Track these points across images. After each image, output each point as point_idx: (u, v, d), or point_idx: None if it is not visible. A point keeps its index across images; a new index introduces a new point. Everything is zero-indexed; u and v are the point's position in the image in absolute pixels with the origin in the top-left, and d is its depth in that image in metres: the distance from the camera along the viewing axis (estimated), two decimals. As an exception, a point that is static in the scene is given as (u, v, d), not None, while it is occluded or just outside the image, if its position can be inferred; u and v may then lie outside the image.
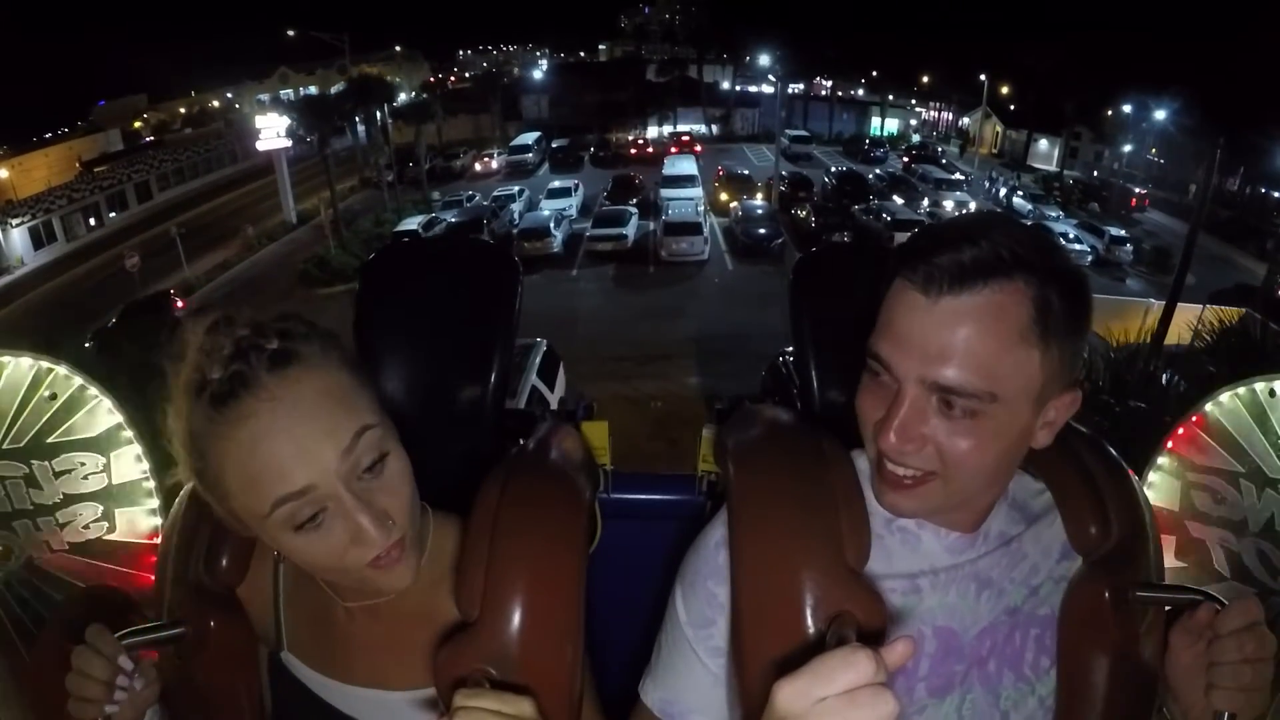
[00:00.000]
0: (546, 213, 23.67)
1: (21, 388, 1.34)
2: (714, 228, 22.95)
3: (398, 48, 36.17)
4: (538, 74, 50.14)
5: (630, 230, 21.88)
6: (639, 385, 12.83)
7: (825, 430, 0.97)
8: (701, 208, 23.59)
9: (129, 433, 1.37)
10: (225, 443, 0.77)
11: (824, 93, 48.87)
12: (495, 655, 0.84)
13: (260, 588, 0.98)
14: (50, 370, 1.35)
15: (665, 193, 24.72)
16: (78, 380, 1.36)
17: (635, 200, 25.08)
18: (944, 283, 0.78)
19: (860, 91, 48.38)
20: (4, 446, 1.35)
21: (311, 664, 0.95)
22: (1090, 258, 20.88)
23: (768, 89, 45.71)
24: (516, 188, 28.12)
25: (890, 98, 46.30)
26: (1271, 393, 1.32)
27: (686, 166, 29.04)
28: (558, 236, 21.62)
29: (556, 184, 27.93)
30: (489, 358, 1.16)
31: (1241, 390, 1.34)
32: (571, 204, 25.17)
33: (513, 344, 1.18)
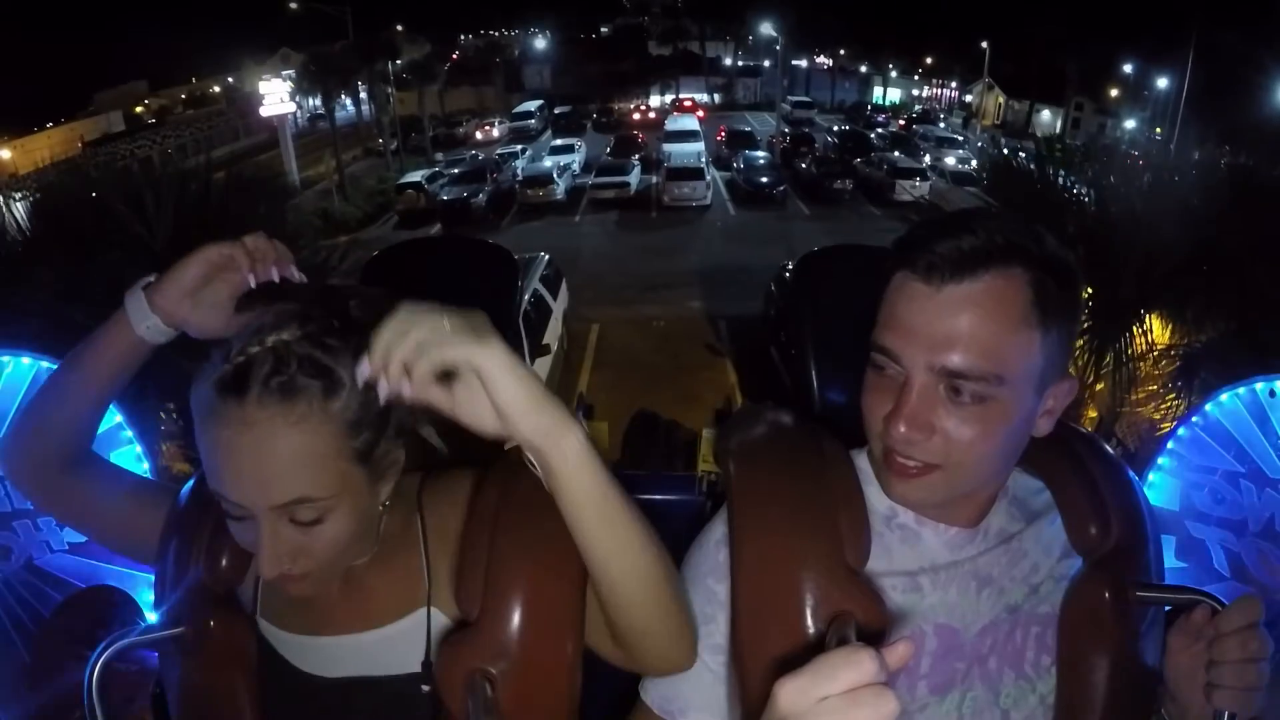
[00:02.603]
0: (549, 163, 24.01)
1: (21, 387, 1.34)
2: (716, 179, 23.13)
3: (399, 27, 35.92)
4: (540, 44, 49.93)
5: (633, 179, 22.24)
6: (641, 309, 13.10)
7: (825, 430, 0.98)
8: (705, 159, 23.79)
9: (129, 432, 1.36)
10: (200, 421, 0.79)
11: (827, 66, 48.77)
12: (495, 655, 0.84)
13: (245, 560, 0.98)
14: (50, 370, 1.34)
15: (667, 146, 24.91)
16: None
17: (638, 156, 25.18)
18: (946, 271, 0.79)
19: (863, 68, 48.25)
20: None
21: (282, 625, 0.95)
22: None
23: (769, 63, 45.85)
24: (520, 147, 28.50)
25: (893, 73, 46.18)
26: (1271, 393, 1.32)
27: (689, 124, 29.36)
28: (560, 184, 21.91)
29: (559, 142, 28.24)
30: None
31: (1241, 390, 1.34)
32: (574, 159, 25.45)
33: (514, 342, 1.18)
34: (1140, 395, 4.85)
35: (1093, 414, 5.27)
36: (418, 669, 0.89)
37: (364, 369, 0.73)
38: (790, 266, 11.35)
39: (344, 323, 0.81)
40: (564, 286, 11.06)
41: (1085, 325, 4.70)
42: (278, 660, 0.95)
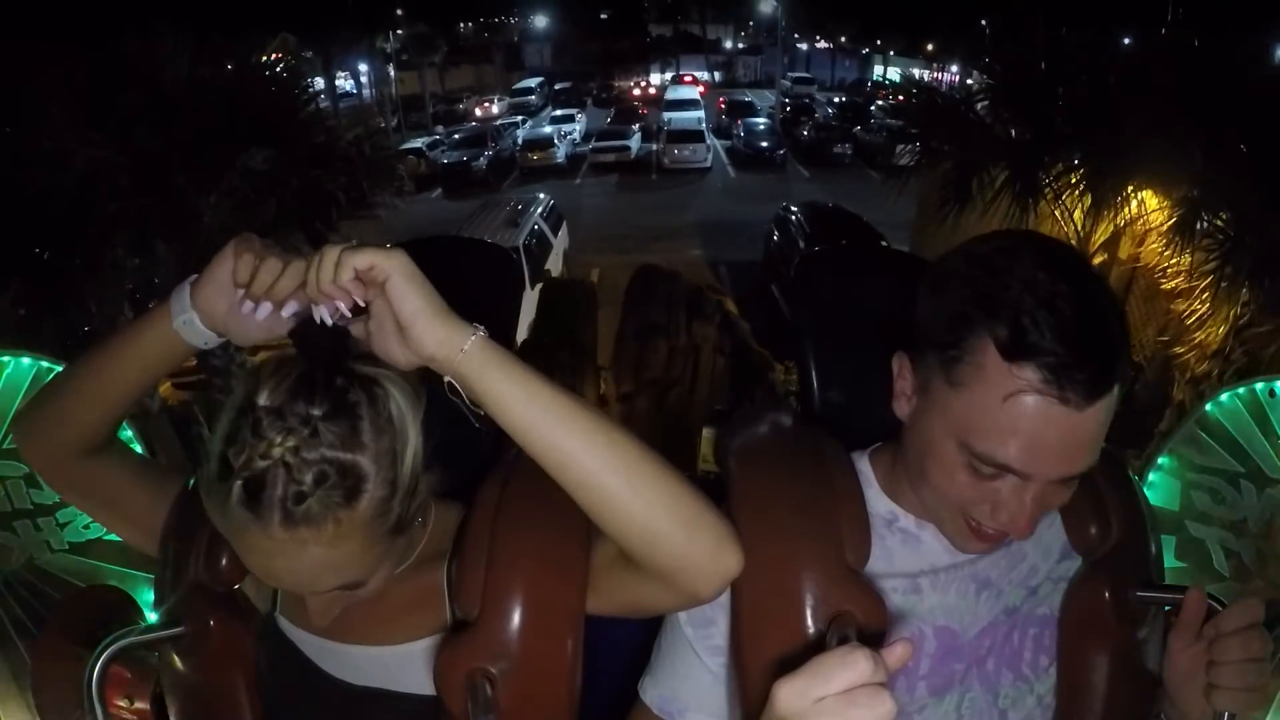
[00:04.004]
0: (549, 129, 24.50)
1: (21, 388, 1.34)
2: (716, 146, 23.40)
3: (399, 11, 35.79)
4: (540, 23, 49.81)
5: (633, 144, 22.60)
6: (642, 256, 13.60)
7: (825, 431, 0.98)
8: (704, 124, 24.06)
9: (129, 432, 1.37)
10: (219, 524, 0.79)
11: (828, 46, 48.56)
12: (495, 655, 0.84)
13: None
14: (50, 370, 1.35)
15: (667, 114, 25.12)
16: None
17: (638, 125, 25.30)
18: (1084, 394, 0.75)
19: (865, 50, 48.09)
20: (4, 446, 1.35)
21: (302, 625, 0.95)
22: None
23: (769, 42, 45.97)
24: (520, 118, 28.75)
25: (893, 54, 45.91)
26: (1271, 393, 1.32)
27: (689, 94, 29.90)
28: (560, 147, 22.30)
29: (559, 113, 28.67)
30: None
31: (1241, 390, 1.34)
32: (574, 128, 25.90)
33: (513, 341, 1.18)
34: (1143, 251, 5.05)
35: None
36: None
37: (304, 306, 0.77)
38: (791, 207, 11.62)
39: (349, 378, 0.79)
40: (564, 227, 11.84)
41: (1077, 179, 5.00)
42: (300, 658, 0.95)
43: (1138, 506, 0.97)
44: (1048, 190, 5.13)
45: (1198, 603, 0.89)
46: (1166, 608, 0.96)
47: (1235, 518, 1.35)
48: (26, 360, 1.32)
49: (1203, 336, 4.55)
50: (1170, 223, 4.60)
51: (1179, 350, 4.79)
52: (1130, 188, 4.89)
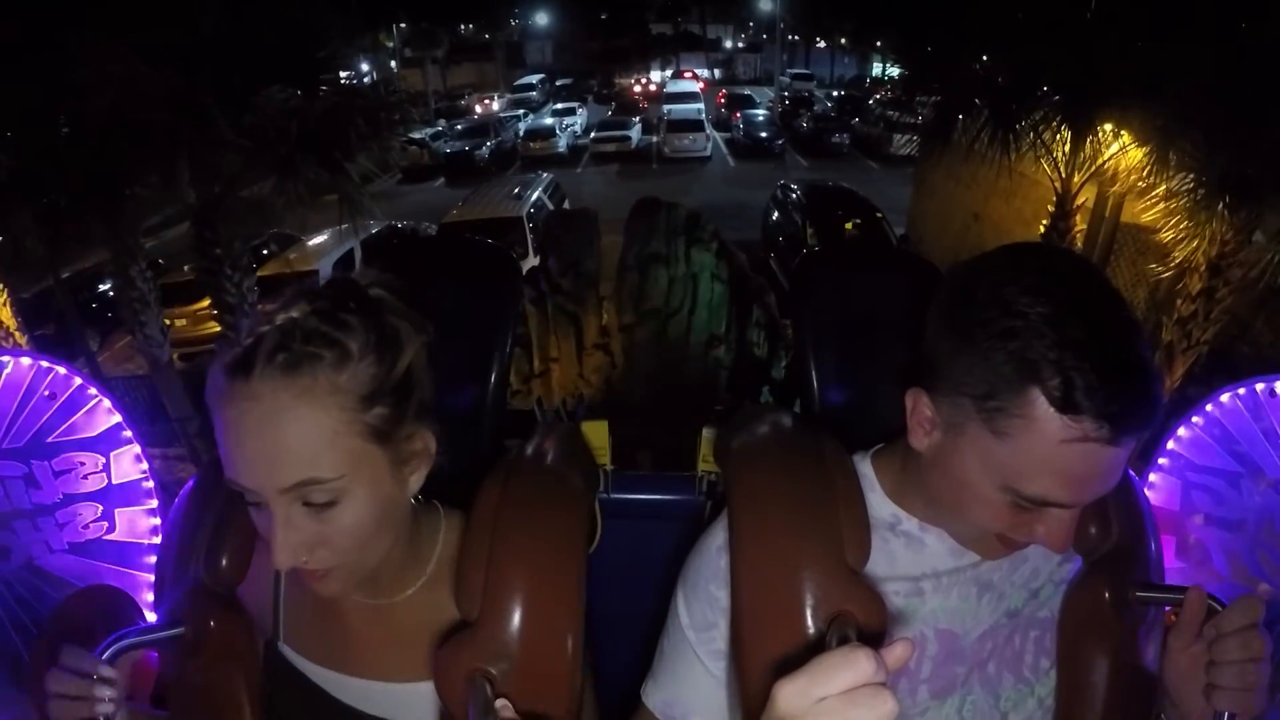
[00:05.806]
0: (550, 120, 24.98)
1: (21, 387, 1.34)
2: (716, 138, 23.67)
3: (400, 11, 36.07)
4: (542, 21, 50.02)
5: (634, 134, 22.92)
6: None
7: (826, 431, 0.98)
8: (704, 114, 24.25)
9: (129, 432, 1.37)
10: (212, 405, 0.79)
11: (826, 44, 48.70)
12: (495, 655, 0.84)
13: (261, 578, 0.97)
14: (50, 370, 1.35)
15: (668, 106, 25.30)
16: (77, 380, 1.36)
17: (638, 118, 25.55)
18: (1132, 434, 0.75)
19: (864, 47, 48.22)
20: (3, 446, 1.35)
21: (309, 655, 0.94)
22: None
23: (766, 36, 46.19)
24: (521, 111, 29.15)
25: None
26: (1271, 393, 1.32)
27: (689, 87, 30.34)
28: (562, 137, 22.77)
29: (560, 106, 28.93)
30: (489, 358, 1.16)
31: (1241, 390, 1.34)
32: (575, 120, 26.20)
33: (514, 344, 1.18)
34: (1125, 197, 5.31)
35: (1081, 226, 5.70)
36: None
37: None
38: (790, 185, 11.79)
39: (359, 302, 0.81)
40: (566, 204, 12.29)
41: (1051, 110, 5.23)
42: (307, 683, 0.94)
43: (1138, 506, 0.97)
44: (1025, 127, 5.30)
45: (1198, 603, 0.89)
46: (1166, 608, 0.96)
47: (1235, 518, 1.35)
48: (26, 360, 1.32)
49: (1180, 257, 4.72)
50: (1144, 151, 4.75)
51: (1155, 268, 4.99)
52: (1108, 125, 5.07)
